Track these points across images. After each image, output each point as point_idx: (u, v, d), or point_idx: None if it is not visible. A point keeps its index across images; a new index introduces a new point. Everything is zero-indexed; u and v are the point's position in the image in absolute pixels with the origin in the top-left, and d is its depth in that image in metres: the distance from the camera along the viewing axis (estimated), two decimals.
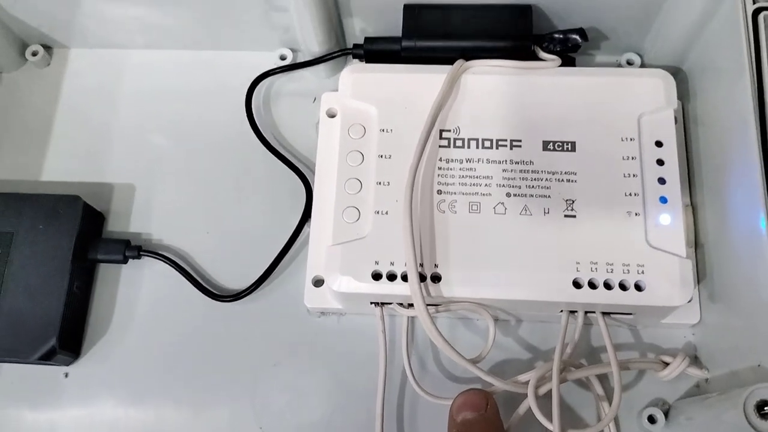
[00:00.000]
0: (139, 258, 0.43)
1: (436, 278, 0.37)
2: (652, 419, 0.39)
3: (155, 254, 0.42)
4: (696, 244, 0.41)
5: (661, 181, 0.38)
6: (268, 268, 0.42)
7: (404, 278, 0.37)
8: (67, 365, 0.41)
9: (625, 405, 0.39)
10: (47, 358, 0.39)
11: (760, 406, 0.31)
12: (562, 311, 0.38)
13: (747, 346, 0.35)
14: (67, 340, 0.40)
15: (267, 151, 0.45)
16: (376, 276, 0.37)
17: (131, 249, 0.42)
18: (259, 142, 0.45)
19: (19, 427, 0.41)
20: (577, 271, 0.36)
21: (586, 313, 0.38)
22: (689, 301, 0.38)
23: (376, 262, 0.37)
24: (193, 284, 0.42)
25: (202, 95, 0.47)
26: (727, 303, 0.38)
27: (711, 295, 0.39)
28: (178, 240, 0.44)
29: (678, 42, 0.43)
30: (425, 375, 0.40)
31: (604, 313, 0.38)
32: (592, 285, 0.36)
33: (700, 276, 0.40)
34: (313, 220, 0.42)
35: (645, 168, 0.38)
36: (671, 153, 0.39)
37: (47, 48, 0.49)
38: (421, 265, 0.37)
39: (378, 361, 0.39)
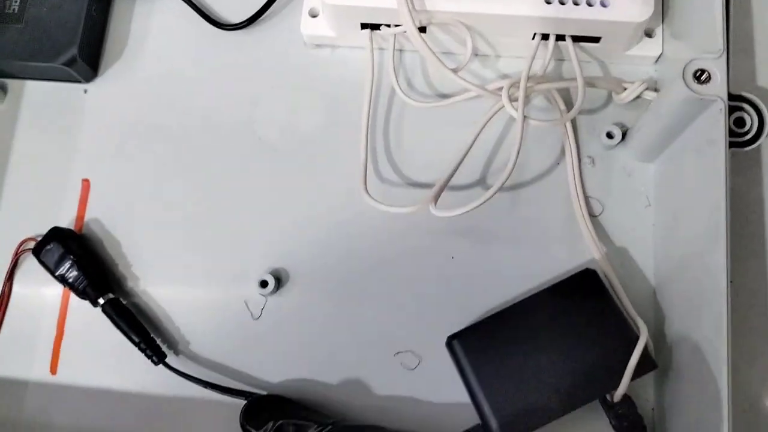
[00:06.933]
0: None
1: None
2: (610, 135, 0.43)
3: None
4: None
5: None
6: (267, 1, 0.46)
7: None
8: (87, 81, 0.46)
9: (588, 126, 0.43)
10: (69, 65, 0.43)
11: (697, 74, 0.35)
12: (534, 36, 0.42)
13: None
14: (87, 53, 0.44)
15: None
16: None
17: None
18: None
19: (46, 135, 0.45)
20: None
21: (557, 39, 0.42)
22: (652, 37, 0.43)
23: None
24: (199, 14, 0.45)
25: None
26: (685, 40, 0.41)
27: (673, 33, 0.43)
28: None
29: None
30: (411, 91, 0.45)
31: (573, 39, 0.42)
32: (561, 2, 0.40)
33: (664, 15, 0.43)
34: None
35: None
36: None
37: None
38: None
39: (365, 83, 0.43)
